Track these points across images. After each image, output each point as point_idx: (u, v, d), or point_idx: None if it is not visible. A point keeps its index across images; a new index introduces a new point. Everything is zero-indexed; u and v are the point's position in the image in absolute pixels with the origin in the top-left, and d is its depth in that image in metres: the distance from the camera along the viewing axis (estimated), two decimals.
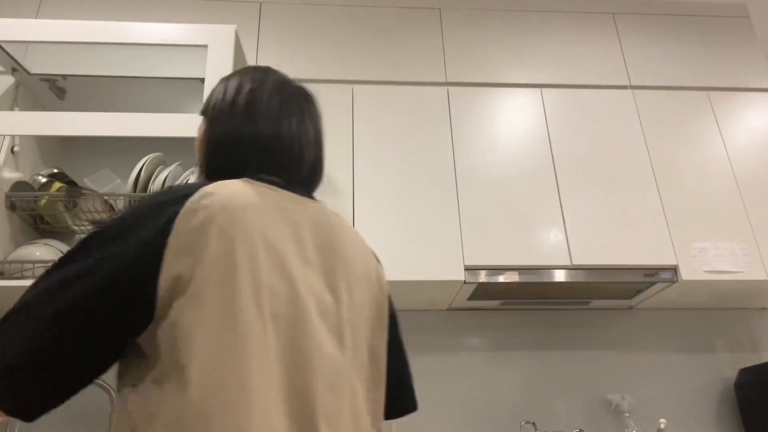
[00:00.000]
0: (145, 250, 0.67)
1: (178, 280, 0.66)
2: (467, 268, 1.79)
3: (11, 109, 1.91)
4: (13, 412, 0.70)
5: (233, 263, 0.67)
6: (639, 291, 1.95)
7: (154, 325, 0.66)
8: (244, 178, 0.79)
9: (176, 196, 0.71)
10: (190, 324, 0.64)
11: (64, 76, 1.95)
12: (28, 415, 0.72)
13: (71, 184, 1.96)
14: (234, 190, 0.74)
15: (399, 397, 0.95)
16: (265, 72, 0.97)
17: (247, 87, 0.89)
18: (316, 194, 0.96)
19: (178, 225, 0.68)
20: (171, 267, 0.66)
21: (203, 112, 0.91)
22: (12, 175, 1.87)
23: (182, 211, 0.69)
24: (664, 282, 1.84)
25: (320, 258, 0.79)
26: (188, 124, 1.58)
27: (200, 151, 0.89)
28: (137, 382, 0.67)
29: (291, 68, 2.18)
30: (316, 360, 0.70)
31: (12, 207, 1.84)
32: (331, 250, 0.81)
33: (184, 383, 0.62)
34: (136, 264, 0.67)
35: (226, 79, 0.93)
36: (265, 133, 0.85)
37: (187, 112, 1.60)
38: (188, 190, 0.72)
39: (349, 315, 0.78)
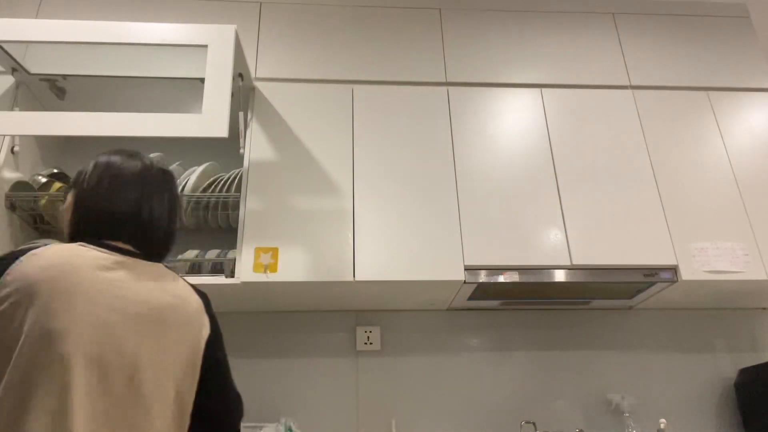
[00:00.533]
0: None
1: None
2: (467, 268, 1.79)
3: (11, 109, 1.91)
4: None
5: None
6: (639, 291, 1.95)
7: None
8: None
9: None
10: None
11: (64, 76, 1.95)
12: None
13: None
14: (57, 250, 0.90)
15: None
16: (130, 156, 1.08)
17: (111, 170, 1.03)
18: None
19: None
20: None
21: (71, 186, 1.05)
22: (12, 175, 1.87)
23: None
24: (664, 282, 1.84)
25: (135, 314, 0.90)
26: (188, 124, 1.58)
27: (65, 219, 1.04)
28: None
29: (291, 68, 2.21)
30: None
31: (12, 207, 1.84)
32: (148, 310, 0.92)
33: None
34: None
35: (95, 160, 1.06)
36: (122, 211, 1.00)
37: (187, 112, 1.60)
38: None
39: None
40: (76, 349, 0.80)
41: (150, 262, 1.00)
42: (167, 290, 0.96)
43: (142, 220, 1.01)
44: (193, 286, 1.04)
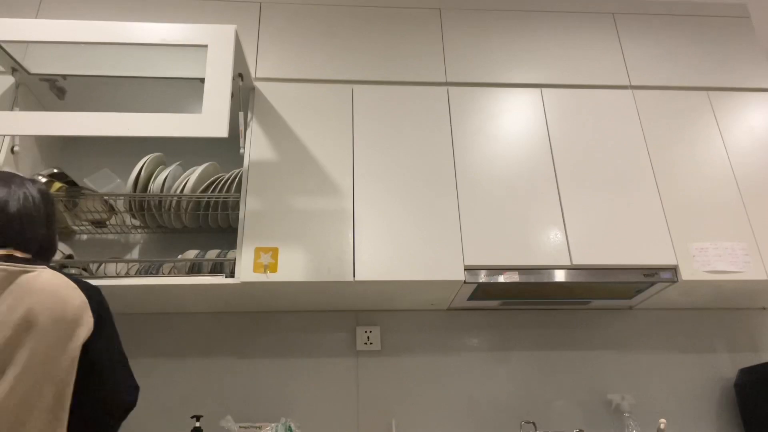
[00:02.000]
0: None
1: None
2: (467, 268, 1.79)
3: (11, 109, 1.91)
4: None
5: None
6: (639, 291, 1.95)
7: None
8: None
9: None
10: None
11: (64, 76, 1.95)
12: None
13: (71, 184, 1.96)
14: None
15: None
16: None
17: None
18: None
19: None
20: None
21: None
22: None
23: None
24: (664, 282, 1.84)
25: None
26: (188, 124, 1.58)
27: None
28: None
29: (291, 68, 2.20)
30: None
31: None
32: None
33: None
34: None
35: None
36: None
37: (187, 112, 1.60)
38: None
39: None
40: None
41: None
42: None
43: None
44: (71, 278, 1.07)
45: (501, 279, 1.79)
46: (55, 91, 1.98)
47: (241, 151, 1.84)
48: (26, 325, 0.94)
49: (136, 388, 1.15)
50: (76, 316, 1.01)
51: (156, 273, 1.83)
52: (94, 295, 1.07)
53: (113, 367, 1.10)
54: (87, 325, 1.02)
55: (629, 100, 2.12)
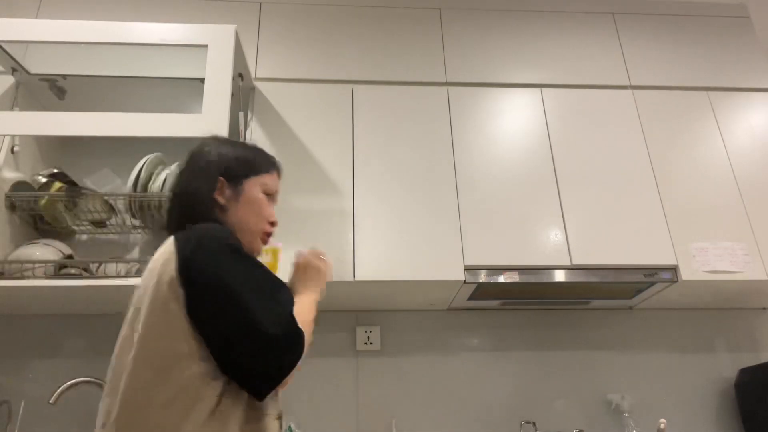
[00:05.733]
0: None
1: None
2: (467, 268, 1.79)
3: (11, 109, 1.91)
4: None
5: None
6: (639, 291, 1.95)
7: None
8: None
9: None
10: None
11: (64, 76, 1.95)
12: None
13: (71, 184, 1.96)
14: None
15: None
16: None
17: None
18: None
19: None
20: None
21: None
22: (12, 175, 1.87)
23: None
24: (664, 282, 1.84)
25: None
26: (188, 124, 1.58)
27: None
28: None
29: (291, 68, 2.20)
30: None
31: (12, 207, 1.84)
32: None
33: None
34: None
35: None
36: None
37: (187, 112, 1.61)
38: None
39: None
40: None
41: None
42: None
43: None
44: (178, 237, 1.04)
45: (501, 279, 1.79)
46: (55, 91, 1.98)
47: None
48: None
49: None
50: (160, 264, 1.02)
51: None
52: (178, 240, 1.03)
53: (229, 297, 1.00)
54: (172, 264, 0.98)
55: (629, 100, 2.12)
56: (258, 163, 1.16)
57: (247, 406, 0.91)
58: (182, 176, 1.14)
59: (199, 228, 1.02)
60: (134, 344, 0.94)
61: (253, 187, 1.13)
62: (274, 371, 0.91)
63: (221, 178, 1.10)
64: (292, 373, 0.92)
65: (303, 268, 1.19)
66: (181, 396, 0.87)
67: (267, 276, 1.00)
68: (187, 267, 0.94)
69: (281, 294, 0.99)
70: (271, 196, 1.17)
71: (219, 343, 0.90)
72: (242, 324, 0.89)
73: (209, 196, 1.09)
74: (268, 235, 1.18)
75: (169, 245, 1.02)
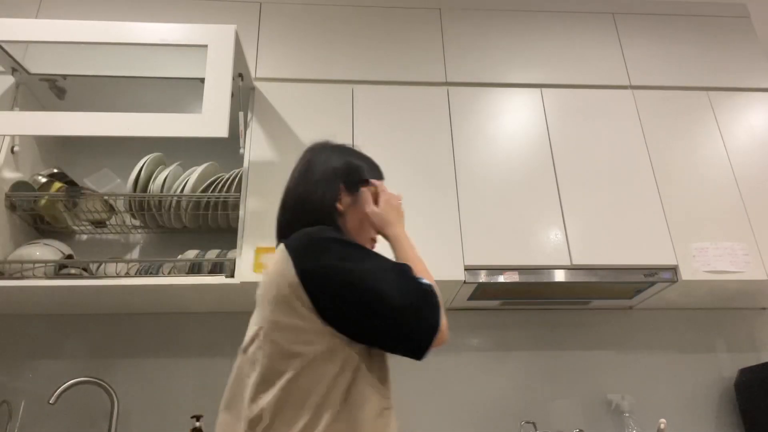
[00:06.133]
0: None
1: None
2: (467, 268, 1.79)
3: (11, 109, 1.91)
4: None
5: None
6: (639, 291, 1.95)
7: None
8: None
9: None
10: None
11: (64, 76, 1.95)
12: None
13: (71, 184, 1.96)
14: None
15: None
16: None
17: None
18: None
19: None
20: None
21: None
22: (12, 175, 1.87)
23: None
24: (664, 282, 1.84)
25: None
26: (188, 124, 1.58)
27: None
28: None
29: (291, 68, 2.20)
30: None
31: (12, 207, 1.84)
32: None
33: None
34: None
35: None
36: None
37: (187, 112, 1.60)
38: None
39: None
40: None
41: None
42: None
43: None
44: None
45: (501, 279, 1.79)
46: (55, 91, 1.98)
47: (241, 151, 1.84)
48: None
49: None
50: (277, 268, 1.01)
51: (156, 273, 1.83)
52: (290, 242, 1.03)
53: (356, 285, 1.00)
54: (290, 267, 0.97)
55: (629, 100, 2.12)
56: (369, 170, 1.21)
57: (374, 400, 0.93)
58: (301, 182, 1.18)
59: (307, 230, 1.05)
60: (260, 360, 0.98)
61: (367, 194, 1.17)
62: (425, 335, 0.93)
63: (342, 185, 1.14)
64: (444, 326, 0.96)
65: (387, 212, 1.18)
66: (314, 396, 0.89)
67: (377, 255, 1.01)
68: (305, 270, 0.95)
69: (394, 264, 1.01)
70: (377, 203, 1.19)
71: (362, 331, 0.94)
72: (379, 307, 0.92)
73: (332, 203, 1.12)
74: (374, 240, 1.18)
75: (281, 253, 1.01)
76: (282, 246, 1.03)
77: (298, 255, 0.97)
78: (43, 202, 1.86)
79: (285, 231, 1.14)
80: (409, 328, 0.92)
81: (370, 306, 0.91)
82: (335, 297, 0.93)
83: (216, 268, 1.81)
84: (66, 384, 1.70)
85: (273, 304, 0.97)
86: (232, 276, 1.72)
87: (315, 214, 1.11)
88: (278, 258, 1.00)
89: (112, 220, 2.00)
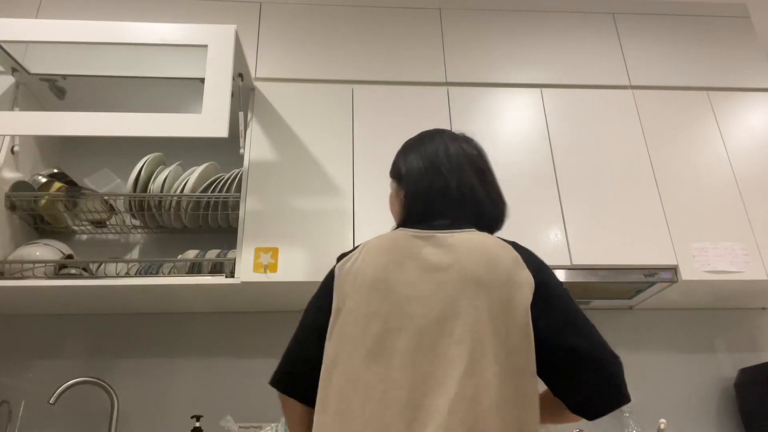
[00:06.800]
0: None
1: None
2: None
3: (11, 109, 1.91)
4: None
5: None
6: (639, 291, 1.95)
7: None
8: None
9: None
10: None
11: (64, 76, 1.95)
12: None
13: (71, 184, 1.96)
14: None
15: None
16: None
17: (429, 150, 1.16)
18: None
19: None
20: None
21: (393, 175, 1.19)
22: (12, 175, 1.87)
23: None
24: (664, 282, 1.84)
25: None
26: (188, 124, 1.58)
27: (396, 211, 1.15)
28: None
29: (291, 68, 2.20)
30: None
31: (12, 207, 1.84)
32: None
33: None
34: None
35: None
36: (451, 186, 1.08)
37: (187, 112, 1.60)
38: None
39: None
40: None
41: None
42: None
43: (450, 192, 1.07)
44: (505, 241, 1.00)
45: None
46: (55, 91, 1.98)
47: (241, 151, 1.84)
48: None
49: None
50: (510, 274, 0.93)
51: (156, 273, 1.83)
52: (531, 257, 0.98)
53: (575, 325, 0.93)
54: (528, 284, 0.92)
55: (629, 100, 2.12)
56: None
57: None
58: (488, 176, 1.17)
59: (536, 256, 1.00)
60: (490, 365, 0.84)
61: None
62: (618, 394, 0.87)
63: None
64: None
65: None
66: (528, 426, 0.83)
67: None
68: (545, 294, 0.91)
69: None
70: None
71: (569, 369, 0.88)
72: (601, 348, 0.88)
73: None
74: None
75: (511, 253, 0.95)
76: (513, 250, 0.96)
77: (539, 278, 0.93)
78: (43, 202, 1.86)
79: (483, 222, 1.07)
80: (613, 382, 0.87)
81: (598, 348, 0.89)
82: (567, 334, 0.90)
83: (216, 268, 1.81)
84: (66, 384, 1.70)
85: (508, 322, 0.89)
86: (232, 276, 1.72)
87: (504, 213, 1.14)
88: (509, 258, 0.94)
89: (112, 220, 2.00)
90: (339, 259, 1.03)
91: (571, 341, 0.89)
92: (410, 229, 1.01)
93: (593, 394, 0.88)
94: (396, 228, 1.08)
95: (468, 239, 0.97)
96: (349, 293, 0.94)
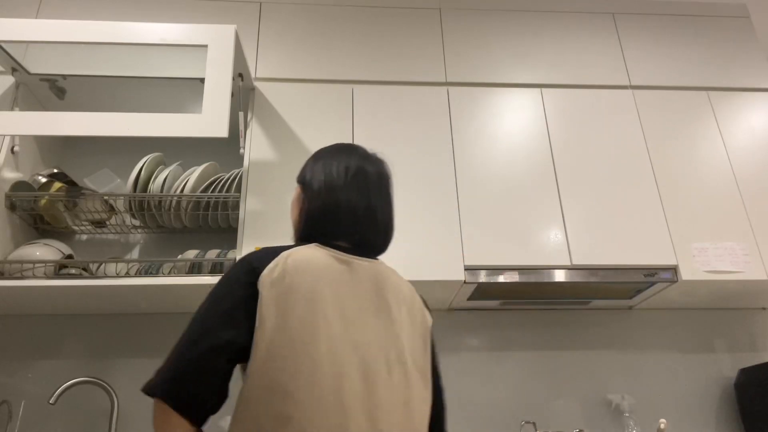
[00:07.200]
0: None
1: None
2: (467, 268, 1.79)
3: (11, 109, 1.91)
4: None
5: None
6: (639, 291, 1.95)
7: None
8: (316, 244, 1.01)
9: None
10: None
11: (64, 76, 1.95)
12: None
13: (71, 184, 1.96)
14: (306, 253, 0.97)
15: None
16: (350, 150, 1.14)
17: (343, 165, 1.08)
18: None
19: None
20: None
21: (300, 181, 1.13)
22: (12, 175, 1.87)
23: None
24: (664, 282, 1.84)
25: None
26: (188, 124, 1.58)
27: (295, 218, 1.12)
28: None
29: (291, 68, 2.20)
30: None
31: (12, 207, 1.84)
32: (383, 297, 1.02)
33: None
34: None
35: (319, 157, 1.13)
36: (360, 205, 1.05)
37: (187, 112, 1.60)
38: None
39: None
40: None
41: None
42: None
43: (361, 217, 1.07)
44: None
45: (501, 279, 1.79)
46: (55, 91, 1.98)
47: (241, 151, 1.84)
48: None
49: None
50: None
51: (156, 273, 1.83)
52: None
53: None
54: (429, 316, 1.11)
55: (629, 100, 2.12)
56: None
57: None
58: (387, 198, 1.12)
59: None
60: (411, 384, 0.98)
61: None
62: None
63: None
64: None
65: None
66: None
67: None
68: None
69: None
70: None
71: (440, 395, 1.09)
72: None
73: None
74: None
75: (411, 289, 1.10)
76: (409, 286, 1.10)
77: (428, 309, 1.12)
78: (43, 202, 1.86)
79: (378, 248, 1.11)
80: None
81: None
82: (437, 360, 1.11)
83: (216, 268, 1.81)
84: (66, 384, 1.70)
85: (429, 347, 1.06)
86: None
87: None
88: (413, 293, 1.09)
89: (112, 220, 2.00)
90: (249, 259, 0.96)
91: None
92: (330, 249, 1.01)
93: None
94: (300, 238, 1.08)
95: (382, 271, 1.05)
96: (287, 311, 0.89)
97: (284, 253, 0.96)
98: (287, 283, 0.91)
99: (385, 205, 1.10)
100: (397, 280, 1.06)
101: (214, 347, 0.87)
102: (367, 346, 0.92)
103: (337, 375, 0.87)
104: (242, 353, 0.90)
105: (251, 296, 0.91)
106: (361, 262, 1.02)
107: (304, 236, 1.06)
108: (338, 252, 1.00)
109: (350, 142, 1.94)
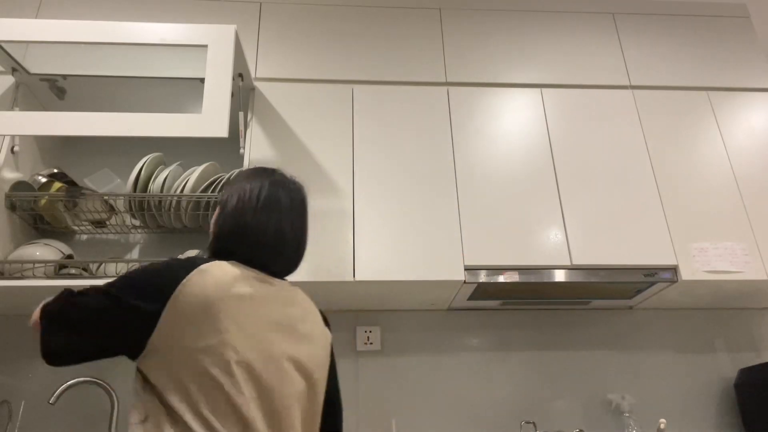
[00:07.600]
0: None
1: None
2: (467, 268, 1.79)
3: (11, 109, 1.91)
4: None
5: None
6: (639, 291, 1.95)
7: None
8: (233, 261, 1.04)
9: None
10: None
11: (64, 76, 1.95)
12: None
13: (71, 184, 1.96)
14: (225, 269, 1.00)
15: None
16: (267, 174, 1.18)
17: (256, 189, 1.11)
18: None
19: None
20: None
21: (219, 202, 1.14)
22: (12, 175, 1.87)
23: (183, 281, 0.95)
24: (664, 282, 1.84)
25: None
26: (188, 124, 1.58)
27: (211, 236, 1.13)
28: None
29: (291, 68, 2.20)
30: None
31: (12, 207, 1.84)
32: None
33: None
34: None
35: (239, 180, 1.15)
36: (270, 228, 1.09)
37: (187, 112, 1.60)
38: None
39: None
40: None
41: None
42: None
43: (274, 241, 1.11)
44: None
45: (501, 279, 1.79)
46: (55, 91, 1.98)
47: (241, 151, 1.84)
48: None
49: None
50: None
51: None
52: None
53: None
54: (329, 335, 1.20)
55: (629, 100, 2.12)
56: None
57: None
58: (299, 222, 1.18)
59: None
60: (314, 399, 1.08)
61: None
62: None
63: None
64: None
65: None
66: None
67: None
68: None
69: None
70: None
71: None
72: None
73: None
74: None
75: (316, 311, 1.18)
76: (314, 306, 1.18)
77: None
78: (43, 202, 1.86)
79: (290, 269, 1.18)
80: None
81: None
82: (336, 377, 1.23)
83: None
84: (66, 384, 1.70)
85: (326, 362, 1.15)
86: None
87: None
88: (318, 316, 1.18)
89: (112, 220, 2.00)
90: (178, 264, 0.99)
91: None
92: (241, 267, 1.04)
93: None
94: (212, 254, 1.10)
95: (288, 290, 1.11)
96: (186, 323, 0.93)
97: (202, 266, 0.98)
98: (194, 293, 0.94)
99: (296, 229, 1.14)
100: (301, 299, 1.13)
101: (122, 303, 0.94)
102: (268, 353, 0.98)
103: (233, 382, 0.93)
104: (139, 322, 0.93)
105: (170, 290, 0.94)
106: (270, 281, 1.07)
107: (214, 254, 1.09)
108: (249, 269, 1.04)
109: (347, 142, 1.94)
